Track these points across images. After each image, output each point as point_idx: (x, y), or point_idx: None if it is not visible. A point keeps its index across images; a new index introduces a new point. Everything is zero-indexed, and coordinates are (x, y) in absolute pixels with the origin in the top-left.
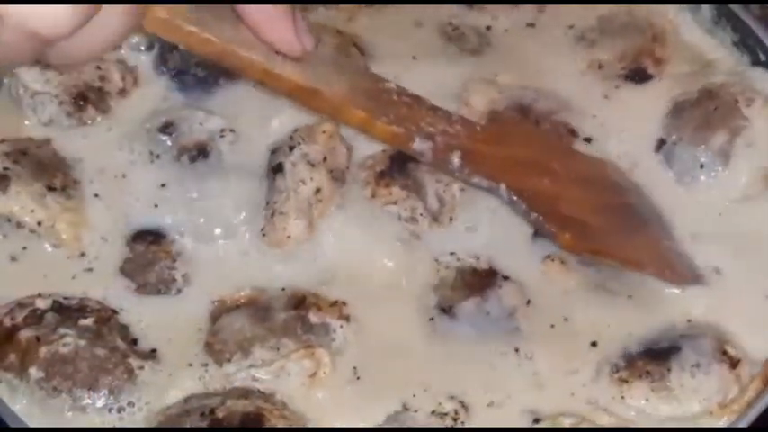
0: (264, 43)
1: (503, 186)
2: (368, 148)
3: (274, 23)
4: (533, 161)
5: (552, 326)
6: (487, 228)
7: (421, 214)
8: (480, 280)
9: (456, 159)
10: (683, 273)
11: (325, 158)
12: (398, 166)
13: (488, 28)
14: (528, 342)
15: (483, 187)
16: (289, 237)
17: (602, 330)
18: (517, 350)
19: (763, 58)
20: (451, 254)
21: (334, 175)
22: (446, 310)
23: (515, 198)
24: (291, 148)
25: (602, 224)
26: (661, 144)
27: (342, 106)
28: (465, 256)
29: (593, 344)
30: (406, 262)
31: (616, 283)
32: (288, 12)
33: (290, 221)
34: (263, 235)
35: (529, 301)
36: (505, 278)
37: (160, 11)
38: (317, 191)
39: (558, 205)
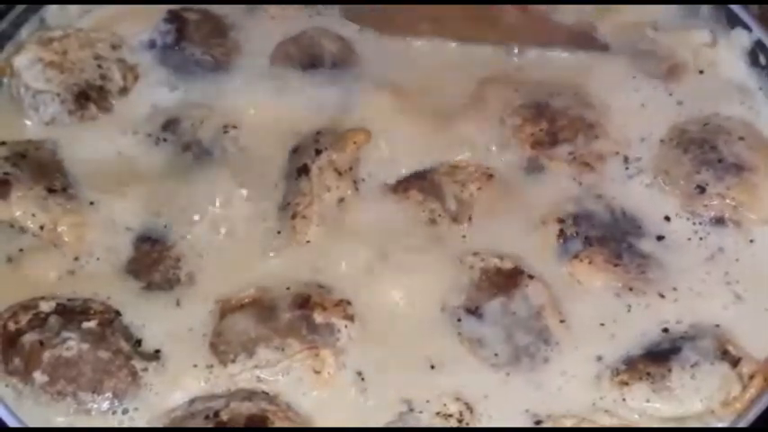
0: None
1: None
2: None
3: None
4: None
5: (579, 325)
6: (510, 227)
7: (440, 215)
8: (505, 279)
9: None
10: None
11: (351, 168)
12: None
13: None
14: (554, 342)
15: None
16: (308, 241)
17: (626, 327)
18: (540, 350)
19: (762, 60)
20: (475, 254)
21: (357, 185)
22: (472, 310)
23: None
24: (318, 152)
25: None
26: None
27: None
28: (489, 256)
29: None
30: (425, 264)
31: (641, 282)
32: None
33: (311, 226)
34: (278, 232)
35: (555, 302)
36: (531, 277)
37: None
38: (341, 200)
39: None
